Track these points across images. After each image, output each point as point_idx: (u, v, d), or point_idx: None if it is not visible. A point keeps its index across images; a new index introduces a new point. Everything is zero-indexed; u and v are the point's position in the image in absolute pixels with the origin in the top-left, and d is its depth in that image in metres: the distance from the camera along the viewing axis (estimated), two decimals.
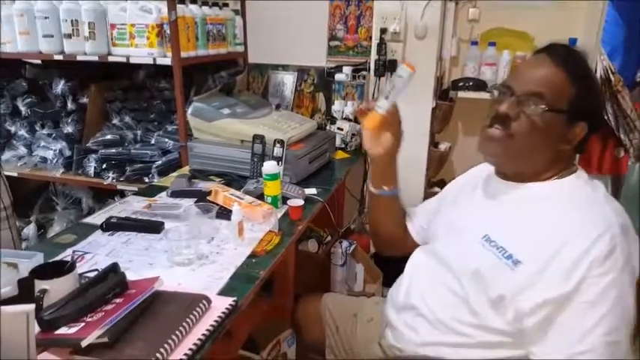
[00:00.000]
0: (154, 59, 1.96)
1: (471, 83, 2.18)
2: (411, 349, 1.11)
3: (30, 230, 2.53)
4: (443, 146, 2.33)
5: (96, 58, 2.04)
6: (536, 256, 0.93)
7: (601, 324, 0.86)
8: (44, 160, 2.27)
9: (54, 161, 2.24)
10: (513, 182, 1.06)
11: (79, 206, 2.49)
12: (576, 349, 0.87)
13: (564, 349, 0.89)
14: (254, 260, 1.24)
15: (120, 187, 2.15)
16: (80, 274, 1.12)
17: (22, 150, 2.31)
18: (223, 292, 1.09)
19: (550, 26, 2.19)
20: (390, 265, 1.97)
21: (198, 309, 0.96)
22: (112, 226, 1.37)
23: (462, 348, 1.03)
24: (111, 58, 2.03)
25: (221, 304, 1.02)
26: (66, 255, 1.24)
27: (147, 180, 2.12)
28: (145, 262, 1.21)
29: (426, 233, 1.27)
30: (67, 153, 2.24)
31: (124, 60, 2.00)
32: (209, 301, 1.00)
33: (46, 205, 2.57)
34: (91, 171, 2.19)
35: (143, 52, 1.98)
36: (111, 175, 2.16)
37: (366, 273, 2.09)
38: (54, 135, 2.26)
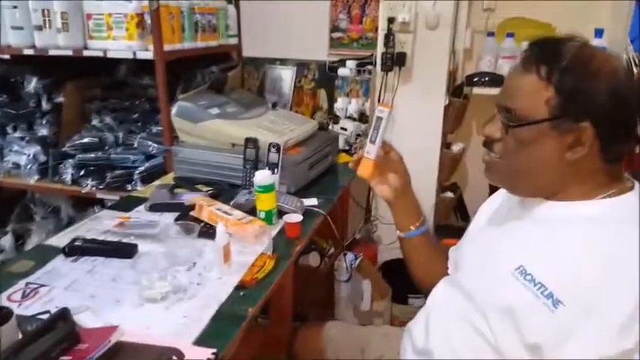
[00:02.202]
0: (134, 53, 1.75)
1: (486, 78, 1.98)
2: None
3: (7, 241, 2.32)
4: (456, 147, 2.13)
5: (70, 53, 1.83)
6: (580, 297, 0.73)
7: None
8: (17, 165, 2.06)
9: (28, 167, 2.04)
10: (555, 201, 0.85)
11: (59, 215, 2.28)
12: None
13: None
14: (242, 293, 1.03)
15: (99, 195, 1.94)
16: (30, 317, 0.93)
17: None
18: (202, 340, 0.88)
19: (574, 15, 1.99)
20: (399, 278, 1.78)
21: None
22: (75, 250, 1.16)
23: None
24: (86, 53, 1.82)
25: (197, 359, 0.81)
26: (17, 289, 1.03)
27: (129, 188, 1.91)
28: (111, 297, 1.00)
29: (455, 266, 1.07)
30: (42, 158, 2.03)
31: (100, 54, 1.79)
32: (181, 356, 0.80)
33: (23, 214, 2.36)
34: (68, 178, 1.98)
35: (122, 45, 1.77)
36: (89, 182, 1.95)
37: (374, 289, 1.88)
38: (27, 138, 2.05)
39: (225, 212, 1.29)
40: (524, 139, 0.81)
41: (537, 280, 0.78)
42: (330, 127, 2.13)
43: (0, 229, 2.37)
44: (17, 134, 2.08)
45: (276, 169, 1.49)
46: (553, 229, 0.83)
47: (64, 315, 0.82)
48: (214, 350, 0.83)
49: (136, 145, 1.94)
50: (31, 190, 2.19)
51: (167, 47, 1.75)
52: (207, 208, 1.30)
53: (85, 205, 2.16)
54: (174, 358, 0.78)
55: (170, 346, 0.81)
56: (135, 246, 1.18)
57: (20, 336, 0.83)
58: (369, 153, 1.07)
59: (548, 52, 0.80)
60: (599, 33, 1.89)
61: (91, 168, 1.96)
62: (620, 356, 0.69)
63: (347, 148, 2.02)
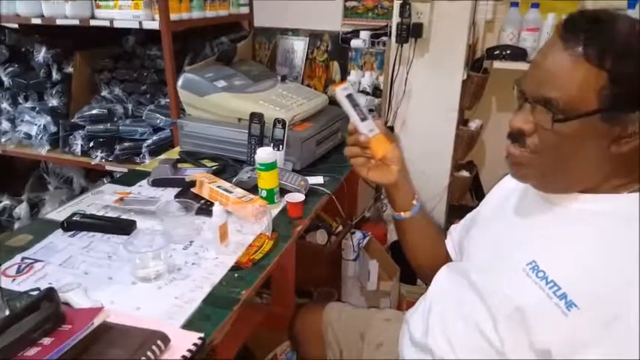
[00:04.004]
0: (140, 23, 1.70)
1: (508, 52, 1.87)
2: None
3: (22, 210, 2.35)
4: (473, 124, 2.04)
5: (77, 22, 1.79)
6: (597, 302, 0.67)
7: None
8: (28, 136, 2.06)
9: (39, 137, 2.03)
10: (582, 193, 0.77)
11: (72, 185, 2.30)
12: None
13: None
14: (237, 274, 1.01)
15: (109, 167, 1.94)
16: (22, 293, 0.93)
17: (6, 125, 2.10)
18: (191, 323, 0.87)
19: None
20: None
21: (150, 353, 0.74)
22: (73, 225, 1.16)
23: None
24: (93, 22, 1.78)
25: (183, 343, 0.79)
26: (12, 264, 1.03)
27: (138, 160, 1.90)
28: (104, 275, 0.99)
29: (460, 249, 1.01)
30: (53, 129, 2.03)
31: (107, 24, 1.75)
32: (167, 340, 0.78)
33: (37, 184, 2.39)
34: (78, 149, 1.97)
35: (128, 14, 1.72)
36: (99, 154, 1.94)
37: (381, 269, 1.85)
38: (37, 109, 2.04)
39: (226, 190, 1.26)
40: (567, 133, 0.70)
41: (550, 278, 0.72)
42: None
43: (15, 198, 2.41)
44: (28, 104, 2.07)
45: (281, 146, 1.45)
46: (572, 223, 0.76)
47: (49, 295, 0.80)
48: (201, 335, 0.82)
49: (144, 118, 1.92)
50: (43, 160, 2.20)
51: (174, 17, 1.69)
52: (208, 185, 1.27)
53: (96, 176, 2.17)
54: (160, 342, 0.76)
55: (156, 329, 0.79)
56: (133, 222, 1.17)
57: (7, 313, 0.83)
58: (372, 130, 0.98)
59: (596, 31, 0.68)
60: (632, 3, 1.75)
61: (100, 140, 1.94)
62: None
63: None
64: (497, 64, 1.87)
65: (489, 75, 1.95)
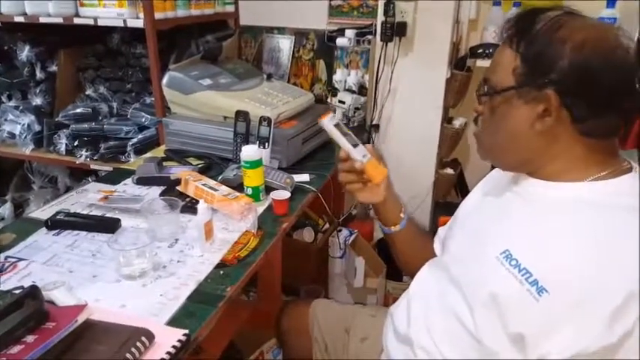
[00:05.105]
0: (124, 21, 1.69)
1: (491, 50, 1.89)
2: None
3: (6, 210, 2.33)
4: (458, 122, 2.06)
5: (61, 20, 1.78)
6: (566, 287, 0.69)
7: None
8: (12, 135, 2.04)
9: (22, 137, 2.02)
10: (545, 180, 0.81)
11: (57, 185, 2.28)
12: None
13: None
14: (222, 272, 1.02)
15: (94, 166, 1.92)
16: (5, 292, 0.92)
17: None
18: (175, 320, 0.87)
19: None
20: None
21: (134, 349, 0.75)
22: (58, 223, 1.15)
23: None
24: (77, 20, 1.77)
25: (168, 340, 0.80)
26: None
27: (123, 159, 1.89)
28: (88, 273, 0.99)
29: (443, 245, 1.03)
30: (37, 128, 2.01)
31: (91, 22, 1.74)
32: (151, 337, 0.78)
33: (22, 183, 2.36)
34: (63, 148, 1.96)
35: (112, 12, 1.71)
36: (84, 153, 1.93)
37: (368, 266, 1.86)
38: (21, 108, 2.02)
39: (211, 188, 1.26)
40: (494, 109, 0.81)
41: (522, 265, 0.74)
42: (328, 99, 2.08)
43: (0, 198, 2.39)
44: (12, 103, 2.06)
45: (266, 144, 1.46)
46: (541, 211, 0.79)
47: (33, 293, 0.80)
48: (186, 331, 0.82)
49: (129, 116, 1.91)
50: (27, 159, 2.18)
51: (158, 15, 1.69)
52: (193, 183, 1.27)
53: (81, 175, 2.16)
54: (144, 339, 0.77)
55: (141, 326, 0.80)
56: (117, 221, 1.17)
57: None
58: (365, 156, 0.99)
59: (523, 24, 0.77)
60: (611, 3, 1.79)
61: (85, 138, 1.93)
62: (603, 351, 0.66)
63: (345, 121, 1.97)
64: (481, 63, 1.90)
65: (473, 73, 1.98)
